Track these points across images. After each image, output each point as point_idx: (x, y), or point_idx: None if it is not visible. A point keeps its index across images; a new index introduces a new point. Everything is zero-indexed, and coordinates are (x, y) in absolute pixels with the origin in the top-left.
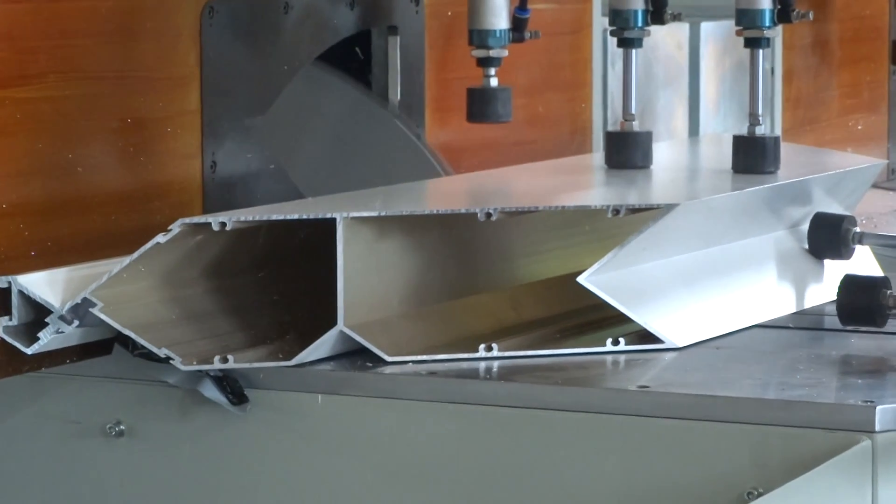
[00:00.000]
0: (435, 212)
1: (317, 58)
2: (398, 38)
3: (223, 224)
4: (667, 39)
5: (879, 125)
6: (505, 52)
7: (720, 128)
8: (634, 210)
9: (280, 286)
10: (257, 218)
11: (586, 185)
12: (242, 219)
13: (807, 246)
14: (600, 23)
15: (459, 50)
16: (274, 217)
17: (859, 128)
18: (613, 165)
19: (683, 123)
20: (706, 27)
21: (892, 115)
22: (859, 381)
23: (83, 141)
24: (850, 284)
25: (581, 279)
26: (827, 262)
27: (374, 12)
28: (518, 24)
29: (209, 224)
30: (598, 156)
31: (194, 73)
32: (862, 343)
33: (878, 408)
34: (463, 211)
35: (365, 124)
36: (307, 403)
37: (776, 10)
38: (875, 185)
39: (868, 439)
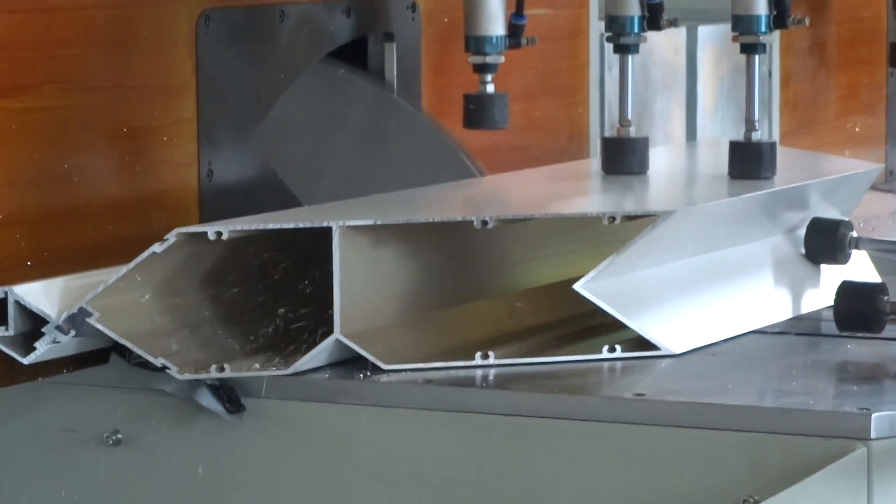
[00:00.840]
0: (431, 219)
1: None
2: (395, 44)
3: (219, 233)
4: (664, 44)
5: (877, 127)
6: (501, 59)
7: (718, 131)
8: (631, 217)
9: (277, 294)
10: (253, 227)
11: (582, 191)
12: (238, 228)
13: (804, 251)
14: (597, 27)
15: (456, 56)
16: (270, 226)
17: (857, 130)
18: (610, 171)
19: (681, 127)
20: (703, 31)
21: (889, 118)
22: (855, 387)
23: (79, 150)
24: (847, 291)
25: (577, 287)
26: (824, 266)
27: (370, 19)
28: (514, 31)
29: (205, 233)
30: (594, 161)
31: (190, 82)
32: (859, 349)
33: (874, 415)
34: (459, 219)
35: (378, 113)
36: (304, 412)
37: (772, 16)
38: (873, 188)
39: (864, 447)
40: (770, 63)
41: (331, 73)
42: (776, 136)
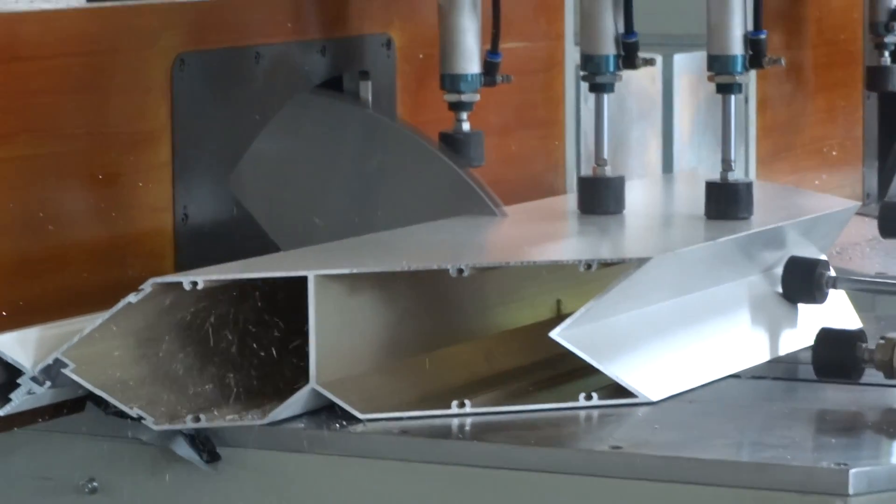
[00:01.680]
0: (407, 268)
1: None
2: (370, 82)
3: (195, 283)
4: (640, 73)
5: (854, 150)
6: (477, 97)
7: (694, 159)
8: (607, 264)
9: (253, 340)
10: (228, 277)
11: (559, 234)
12: (214, 278)
13: (780, 290)
14: (573, 59)
15: (431, 93)
16: (245, 276)
17: (834, 153)
18: (586, 211)
19: (657, 156)
20: (679, 59)
21: (866, 140)
22: (833, 440)
23: (54, 199)
24: (826, 339)
25: (553, 334)
26: (801, 306)
27: (345, 57)
28: (490, 68)
29: (181, 283)
30: (571, 198)
31: (165, 126)
32: (837, 395)
33: (852, 471)
34: (434, 267)
35: (369, 140)
36: (279, 462)
37: (748, 56)
38: None
39: (842, 503)
40: (747, 90)
41: (310, 105)
42: (753, 162)
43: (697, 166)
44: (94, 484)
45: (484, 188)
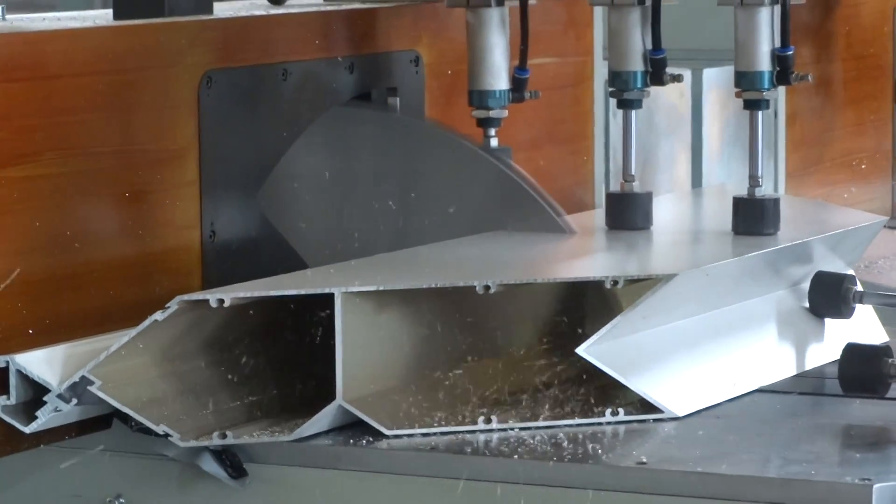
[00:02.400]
0: (434, 285)
1: None
2: (398, 98)
3: (221, 300)
4: (668, 88)
5: (883, 164)
6: (505, 113)
7: (724, 173)
8: (634, 280)
9: (279, 357)
10: (255, 294)
11: (586, 250)
12: (240, 295)
13: (807, 305)
14: (601, 74)
15: (460, 108)
16: (272, 293)
17: (863, 167)
18: (614, 226)
19: (686, 171)
20: (708, 73)
21: (895, 154)
22: (858, 455)
23: (81, 216)
24: (852, 353)
25: (580, 350)
26: (828, 320)
27: (373, 74)
28: (518, 84)
29: (207, 300)
30: (599, 213)
31: (192, 144)
32: (863, 410)
33: (875, 486)
34: (461, 284)
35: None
36: (306, 478)
37: (775, 73)
38: None
39: None
40: (776, 104)
41: (340, 119)
42: (782, 176)
43: (726, 181)
44: (121, 501)
45: (550, 202)
